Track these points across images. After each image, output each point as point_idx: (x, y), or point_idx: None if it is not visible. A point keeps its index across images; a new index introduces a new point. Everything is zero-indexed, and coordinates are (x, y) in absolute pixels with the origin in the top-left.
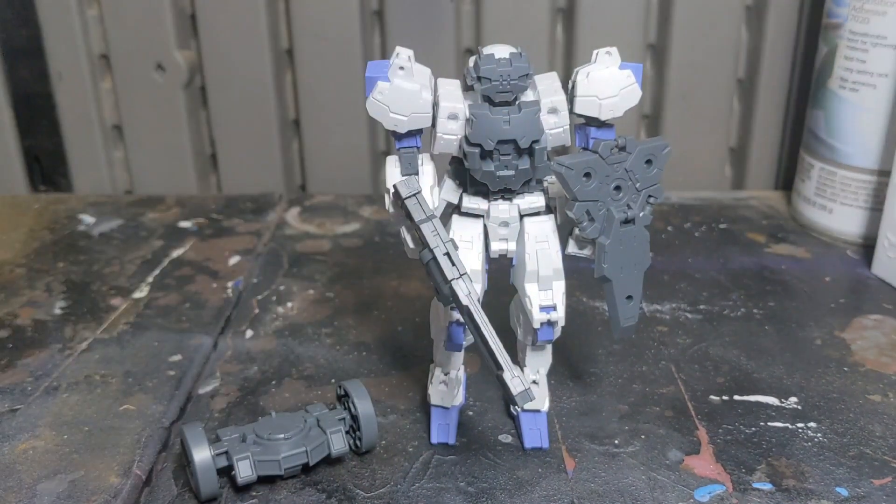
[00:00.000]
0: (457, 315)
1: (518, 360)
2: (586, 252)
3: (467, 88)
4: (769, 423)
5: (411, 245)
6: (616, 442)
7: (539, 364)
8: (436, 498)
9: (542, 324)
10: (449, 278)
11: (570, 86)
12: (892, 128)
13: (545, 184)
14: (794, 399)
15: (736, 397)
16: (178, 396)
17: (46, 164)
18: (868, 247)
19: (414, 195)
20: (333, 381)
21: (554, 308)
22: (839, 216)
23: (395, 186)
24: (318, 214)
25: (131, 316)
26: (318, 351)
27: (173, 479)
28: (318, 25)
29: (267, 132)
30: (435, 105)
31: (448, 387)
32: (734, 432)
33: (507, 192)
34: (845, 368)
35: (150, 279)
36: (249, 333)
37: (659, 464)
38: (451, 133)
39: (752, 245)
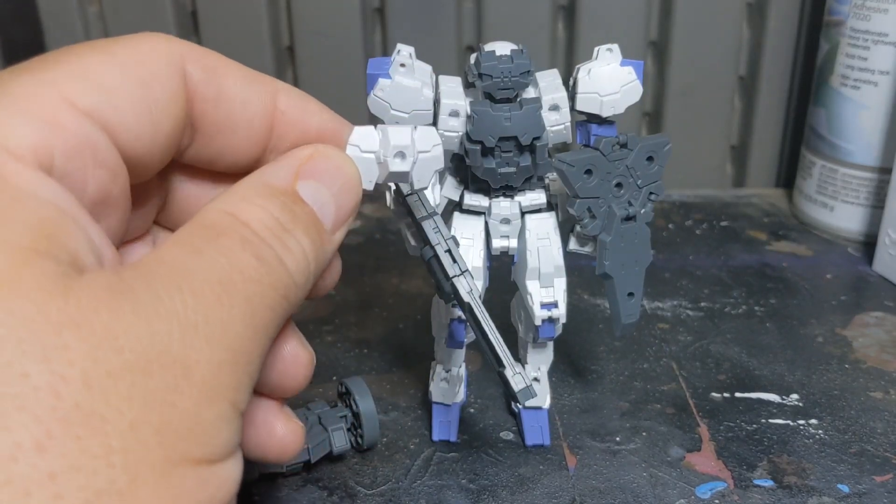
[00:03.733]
0: (458, 312)
1: (519, 358)
2: (587, 249)
3: (468, 85)
4: (770, 420)
5: (412, 242)
6: (617, 439)
7: (540, 361)
8: (437, 495)
9: (543, 321)
10: (450, 275)
11: (571, 83)
12: (894, 125)
13: (546, 181)
14: (795, 396)
15: (737, 394)
16: None
17: None
18: (869, 244)
19: (415, 192)
20: (335, 378)
21: (555, 305)
22: (840, 213)
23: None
24: None
25: None
26: (320, 348)
27: None
28: (319, 22)
29: None
30: (436, 102)
31: (449, 384)
32: (735, 429)
33: (508, 189)
34: (846, 365)
35: None
36: None
37: (660, 461)
38: (452, 130)
39: (753, 242)
